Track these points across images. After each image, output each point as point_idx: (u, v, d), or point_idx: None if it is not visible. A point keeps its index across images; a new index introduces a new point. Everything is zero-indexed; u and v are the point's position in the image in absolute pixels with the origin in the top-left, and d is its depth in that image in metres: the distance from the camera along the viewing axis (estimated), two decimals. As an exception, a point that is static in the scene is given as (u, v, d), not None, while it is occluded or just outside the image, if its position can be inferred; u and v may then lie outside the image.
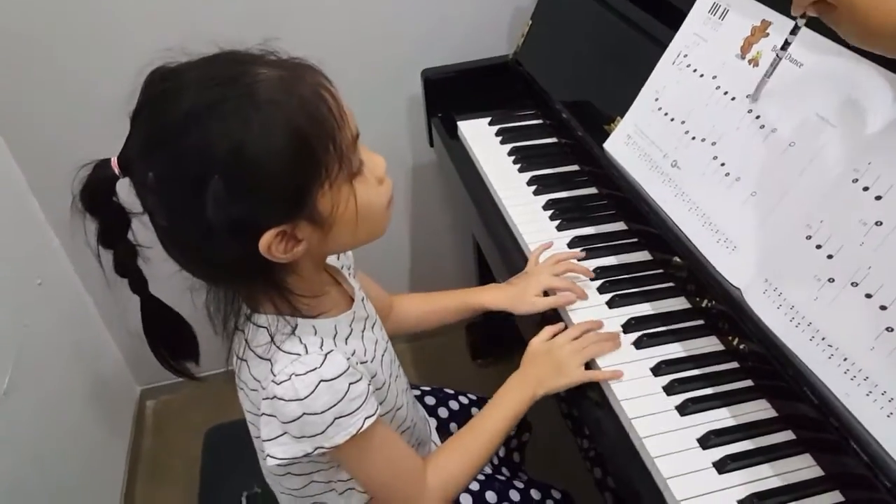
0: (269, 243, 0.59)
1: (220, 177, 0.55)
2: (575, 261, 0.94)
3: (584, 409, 0.81)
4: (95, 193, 0.60)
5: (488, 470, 0.98)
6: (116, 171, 0.59)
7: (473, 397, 1.07)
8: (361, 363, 0.72)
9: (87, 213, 0.60)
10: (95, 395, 1.45)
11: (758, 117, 0.77)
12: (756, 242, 0.72)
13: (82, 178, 0.60)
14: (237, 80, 0.57)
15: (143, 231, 0.62)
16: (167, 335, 0.70)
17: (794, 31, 0.70)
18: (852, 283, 0.62)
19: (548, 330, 0.87)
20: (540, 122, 1.28)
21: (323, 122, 0.59)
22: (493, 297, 0.94)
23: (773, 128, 0.74)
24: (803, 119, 0.71)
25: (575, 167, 1.16)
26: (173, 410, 1.71)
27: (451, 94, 1.35)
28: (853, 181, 0.64)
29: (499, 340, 1.67)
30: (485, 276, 1.62)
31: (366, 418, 0.66)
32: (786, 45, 0.72)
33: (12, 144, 1.26)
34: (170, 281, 0.64)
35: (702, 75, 0.85)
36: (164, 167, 0.57)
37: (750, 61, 0.80)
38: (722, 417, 0.73)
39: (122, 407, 1.62)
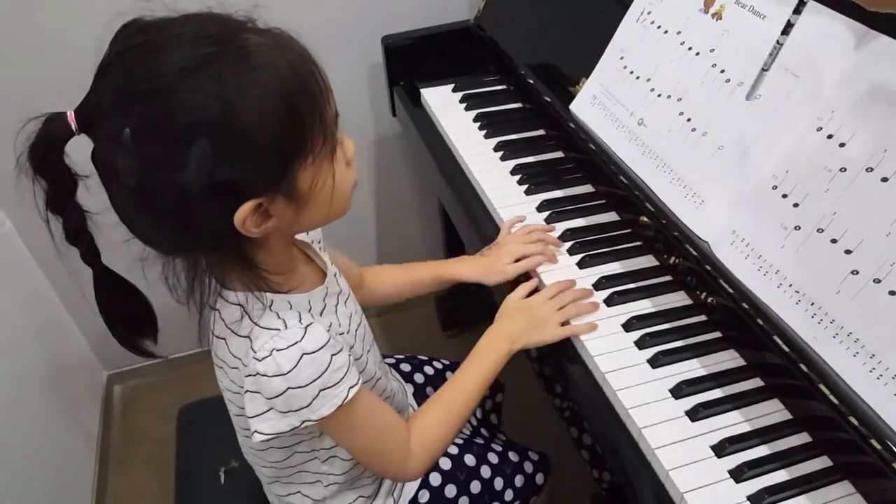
0: (244, 216, 0.57)
1: (208, 137, 0.52)
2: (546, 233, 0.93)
3: (559, 368, 0.82)
4: (47, 151, 0.55)
5: (466, 433, 0.99)
6: (73, 126, 0.55)
7: (447, 362, 1.08)
8: (339, 335, 0.71)
9: (34, 174, 0.56)
10: (60, 383, 1.41)
11: (722, 71, 0.77)
12: (723, 196, 0.73)
13: (30, 133, 0.55)
14: (229, 41, 0.55)
15: (84, 196, 0.59)
16: (123, 309, 0.67)
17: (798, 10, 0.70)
18: (818, 230, 0.63)
19: (523, 287, 0.87)
20: (504, 87, 1.28)
21: (313, 94, 0.58)
22: (465, 268, 0.95)
23: (738, 81, 0.75)
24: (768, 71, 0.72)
25: (541, 131, 1.16)
26: (142, 394, 1.67)
27: (413, 61, 1.32)
28: (817, 130, 0.65)
29: (468, 311, 1.67)
30: (452, 245, 1.61)
31: (350, 388, 0.65)
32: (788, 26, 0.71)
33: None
34: (120, 251, 0.60)
35: (666, 31, 0.85)
36: (144, 123, 0.53)
37: (713, 15, 0.80)
38: (692, 368, 0.74)
39: (89, 393, 1.58)
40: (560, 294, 0.83)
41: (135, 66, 0.54)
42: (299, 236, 0.77)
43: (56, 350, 1.44)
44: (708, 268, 0.75)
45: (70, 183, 0.58)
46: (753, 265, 0.68)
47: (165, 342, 0.71)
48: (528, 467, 0.96)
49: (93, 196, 0.59)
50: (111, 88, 0.55)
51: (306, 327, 0.63)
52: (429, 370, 1.05)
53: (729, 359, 0.76)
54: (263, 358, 0.62)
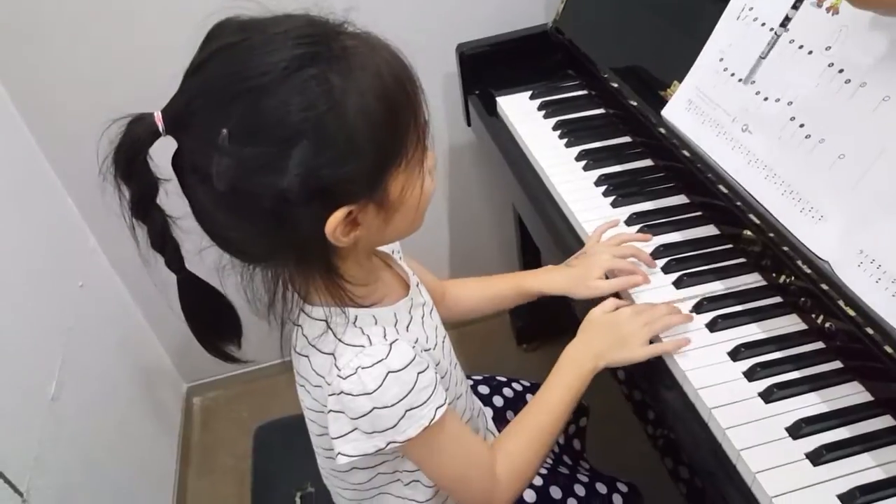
0: (336, 224, 0.55)
1: (310, 139, 0.51)
2: (641, 245, 0.86)
3: (655, 398, 0.75)
4: (134, 154, 0.54)
5: (550, 461, 0.93)
6: (160, 127, 0.53)
7: (527, 384, 1.02)
8: (425, 351, 0.68)
9: (118, 179, 0.55)
10: (142, 395, 1.45)
11: (841, 71, 0.69)
12: (847, 210, 0.65)
13: (114, 136, 0.53)
14: (330, 41, 0.53)
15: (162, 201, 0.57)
16: (209, 315, 0.65)
17: (795, 6, 0.71)
18: (970, 252, 0.54)
19: (612, 301, 0.80)
20: (585, 92, 1.22)
21: (409, 97, 0.57)
22: (551, 280, 0.88)
23: (861, 82, 0.66)
24: (898, 69, 0.63)
25: (627, 139, 1.09)
26: (221, 406, 1.70)
27: (489, 68, 1.28)
28: (966, 135, 0.56)
29: (544, 324, 1.62)
30: (528, 255, 1.56)
31: (437, 408, 0.63)
32: (786, 20, 0.73)
33: (43, 144, 1.23)
34: (195, 261, 0.59)
35: (771, 29, 0.77)
36: (244, 123, 0.51)
37: (828, 9, 0.72)
38: (812, 403, 0.67)
39: (170, 405, 1.62)
40: (651, 310, 0.77)
41: (234, 65, 0.52)
42: (380, 248, 0.74)
43: (138, 362, 1.48)
44: (824, 287, 0.67)
45: (153, 188, 0.57)
46: (887, 290, 0.60)
47: (245, 353, 0.69)
48: (618, 500, 0.90)
49: (169, 201, 0.57)
50: (206, 88, 0.53)
51: (391, 344, 0.61)
52: (508, 392, 1.00)
53: (853, 392, 0.67)
54: (348, 376, 0.60)
